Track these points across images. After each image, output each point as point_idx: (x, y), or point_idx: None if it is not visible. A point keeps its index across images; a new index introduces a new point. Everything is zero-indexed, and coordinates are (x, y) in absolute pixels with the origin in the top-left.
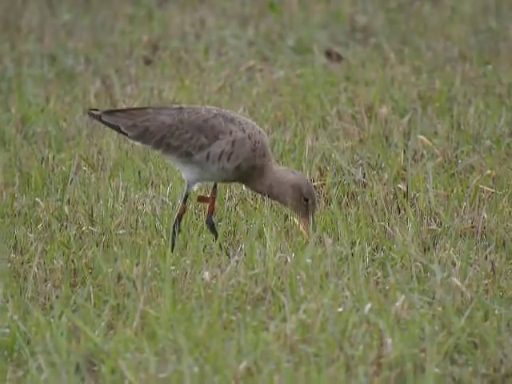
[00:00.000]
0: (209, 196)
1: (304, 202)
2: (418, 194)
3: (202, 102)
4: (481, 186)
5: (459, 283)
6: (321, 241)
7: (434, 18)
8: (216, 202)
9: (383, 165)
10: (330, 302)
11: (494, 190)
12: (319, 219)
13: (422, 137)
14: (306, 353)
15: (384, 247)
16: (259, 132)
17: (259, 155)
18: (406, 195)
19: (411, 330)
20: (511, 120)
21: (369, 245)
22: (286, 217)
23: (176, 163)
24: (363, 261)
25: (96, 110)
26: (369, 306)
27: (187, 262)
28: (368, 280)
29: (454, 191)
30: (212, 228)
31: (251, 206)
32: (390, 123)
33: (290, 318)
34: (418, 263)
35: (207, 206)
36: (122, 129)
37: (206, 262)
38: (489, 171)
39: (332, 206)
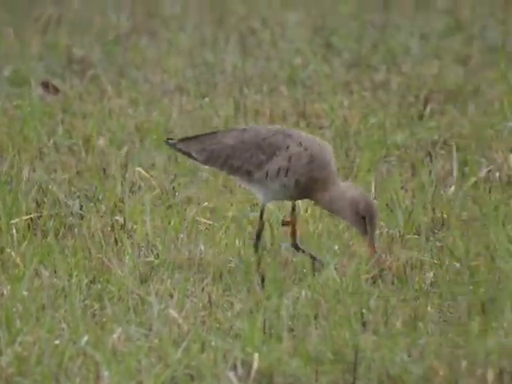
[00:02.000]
0: (289, 220)
1: (362, 220)
2: (135, 226)
3: None
4: (198, 218)
5: (176, 315)
6: (37, 273)
7: (151, 51)
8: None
9: (100, 197)
10: (47, 335)
11: (211, 222)
12: (36, 251)
13: (139, 169)
14: None
15: (101, 279)
16: (319, 145)
17: (318, 168)
18: (123, 227)
19: (128, 362)
20: None
21: (86, 277)
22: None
23: (242, 183)
24: (80, 293)
25: (171, 139)
26: (85, 338)
27: None
28: (85, 312)
29: (172, 223)
30: (297, 251)
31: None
32: (107, 155)
33: (5, 350)
34: (135, 295)
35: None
36: (193, 154)
37: None
38: (206, 203)
39: (49, 238)
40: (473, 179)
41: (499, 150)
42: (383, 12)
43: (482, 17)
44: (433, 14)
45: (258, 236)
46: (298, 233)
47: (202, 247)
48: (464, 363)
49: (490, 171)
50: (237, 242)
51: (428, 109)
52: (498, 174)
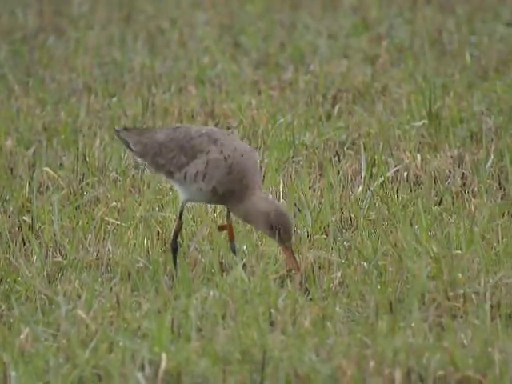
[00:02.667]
0: (226, 224)
1: (274, 230)
2: (43, 227)
3: None
4: (106, 218)
5: (84, 315)
6: None
7: (59, 50)
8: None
9: (8, 197)
10: None
11: (119, 222)
12: None
13: (47, 168)
14: None
15: (8, 279)
16: (242, 155)
17: (235, 180)
18: (30, 227)
19: (35, 362)
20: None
21: None
22: None
23: (169, 182)
24: None
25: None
26: None
27: None
28: None
29: (80, 223)
30: (234, 255)
31: None
32: (14, 155)
33: None
34: (42, 295)
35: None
36: (131, 145)
37: None
38: (114, 203)
39: None
40: (381, 179)
41: (407, 150)
42: (291, 11)
43: (390, 16)
44: (340, 14)
45: (176, 235)
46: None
47: (110, 247)
48: (372, 363)
49: (397, 171)
50: (145, 242)
51: (336, 108)
52: (405, 174)
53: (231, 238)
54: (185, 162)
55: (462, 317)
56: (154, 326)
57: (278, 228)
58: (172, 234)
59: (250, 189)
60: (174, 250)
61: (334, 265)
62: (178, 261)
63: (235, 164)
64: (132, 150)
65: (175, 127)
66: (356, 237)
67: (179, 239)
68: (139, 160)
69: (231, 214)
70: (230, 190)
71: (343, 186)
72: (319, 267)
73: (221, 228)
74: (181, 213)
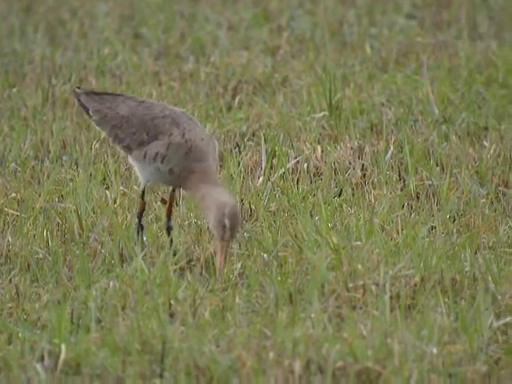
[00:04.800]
0: (167, 199)
1: (222, 227)
2: None
3: None
4: (5, 209)
5: None
6: None
7: None
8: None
9: None
10: None
11: (18, 213)
12: None
13: None
14: None
15: None
16: (202, 139)
17: (194, 159)
18: None
19: None
20: (36, 143)
21: None
22: None
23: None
24: None
25: (80, 88)
26: None
27: None
28: None
29: None
30: (168, 233)
31: None
32: None
33: None
34: None
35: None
36: (90, 111)
37: None
38: (13, 194)
39: None
40: (281, 170)
41: (307, 142)
42: (191, 3)
43: (291, 7)
44: (241, 5)
45: (140, 216)
46: (173, 214)
47: (10, 238)
48: (271, 354)
49: (298, 162)
50: (45, 233)
51: (236, 100)
52: (306, 165)
53: (168, 215)
54: (145, 140)
55: (361, 308)
56: (53, 317)
57: (227, 225)
58: (137, 216)
59: (206, 174)
60: (138, 230)
61: (234, 256)
62: (144, 239)
63: (194, 147)
64: (91, 116)
65: (140, 101)
66: (256, 228)
67: (143, 221)
68: (97, 128)
69: (175, 191)
70: (187, 171)
71: (243, 177)
72: None
73: (163, 201)
74: (143, 193)
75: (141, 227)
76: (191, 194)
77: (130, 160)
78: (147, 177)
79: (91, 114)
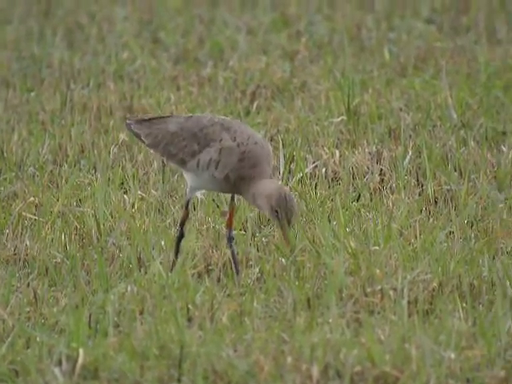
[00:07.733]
0: (227, 210)
1: (275, 213)
2: None
3: None
4: (24, 213)
5: (1, 311)
6: None
7: None
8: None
9: None
10: None
11: (36, 218)
12: None
13: None
14: None
15: None
16: (255, 143)
17: (248, 166)
18: None
19: None
20: (54, 147)
21: None
22: None
23: (179, 170)
24: None
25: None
26: None
27: None
28: None
29: None
30: (229, 244)
31: None
32: None
33: None
34: None
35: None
36: (142, 137)
37: None
38: (32, 198)
39: None
40: (299, 175)
41: (325, 146)
42: (210, 7)
43: (309, 13)
44: (260, 10)
45: (182, 224)
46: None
47: (28, 242)
48: (289, 359)
49: (316, 167)
50: (63, 237)
51: (255, 104)
52: (324, 170)
53: (229, 225)
54: (197, 149)
55: (379, 313)
56: (71, 322)
57: (278, 210)
58: (179, 224)
59: (261, 176)
60: (179, 238)
61: (252, 260)
62: (179, 249)
63: (248, 151)
64: (144, 142)
65: (187, 116)
66: (274, 233)
67: (184, 228)
68: (151, 151)
69: (234, 200)
70: (241, 178)
71: None
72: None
73: (222, 214)
74: (187, 203)
75: (182, 235)
76: (246, 197)
77: (185, 174)
78: (201, 185)
79: (144, 140)
